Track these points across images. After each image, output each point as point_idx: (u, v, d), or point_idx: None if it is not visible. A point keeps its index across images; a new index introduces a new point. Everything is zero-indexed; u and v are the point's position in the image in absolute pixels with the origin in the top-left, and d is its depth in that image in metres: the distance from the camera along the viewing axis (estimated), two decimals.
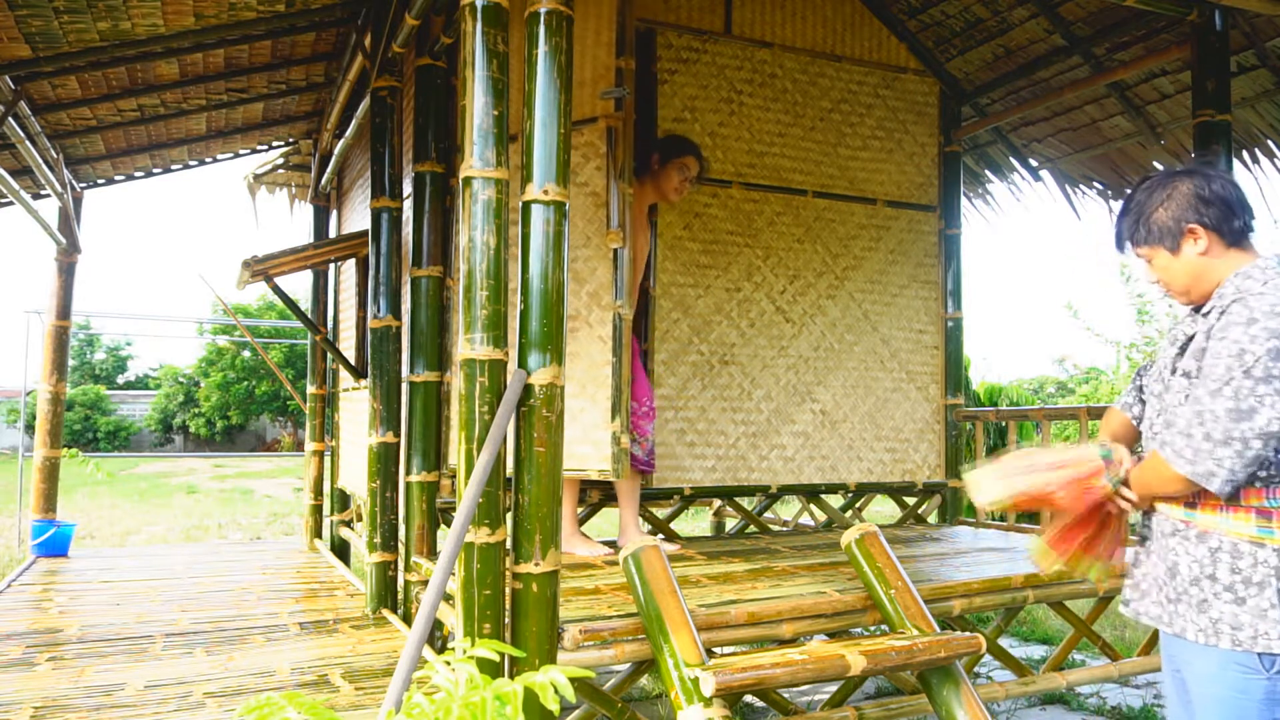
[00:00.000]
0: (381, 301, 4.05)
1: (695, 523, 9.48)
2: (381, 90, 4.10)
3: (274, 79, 5.40)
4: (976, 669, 4.75)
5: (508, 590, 2.46)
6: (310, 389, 6.40)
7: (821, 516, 5.48)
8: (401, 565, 3.94)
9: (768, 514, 6.07)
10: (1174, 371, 2.01)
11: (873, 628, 3.64)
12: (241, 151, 6.65)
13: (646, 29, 4.58)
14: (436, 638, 3.68)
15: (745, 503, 5.71)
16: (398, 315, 4.07)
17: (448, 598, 3.00)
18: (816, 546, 4.19)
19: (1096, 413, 4.67)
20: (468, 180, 2.45)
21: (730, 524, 6.23)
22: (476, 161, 2.44)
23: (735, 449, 4.75)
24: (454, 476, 3.77)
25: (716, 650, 2.85)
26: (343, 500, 5.91)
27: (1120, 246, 2.10)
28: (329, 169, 6.00)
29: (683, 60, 4.70)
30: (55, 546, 5.73)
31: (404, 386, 3.90)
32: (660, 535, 4.69)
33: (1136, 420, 2.18)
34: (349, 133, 5.08)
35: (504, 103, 2.48)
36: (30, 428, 7.99)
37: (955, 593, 3.28)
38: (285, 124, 6.28)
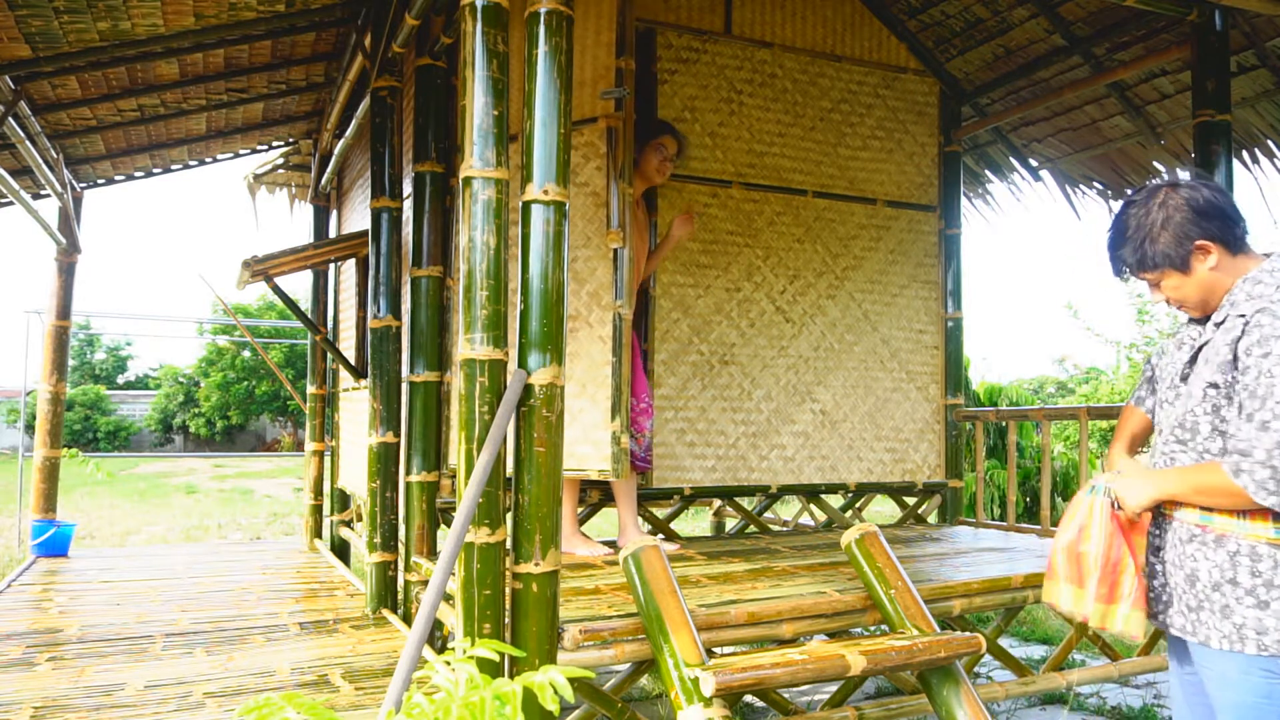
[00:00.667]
0: (381, 301, 4.05)
1: (695, 523, 9.48)
2: (381, 90, 4.10)
3: (274, 79, 5.40)
4: (976, 669, 4.75)
5: (508, 590, 2.46)
6: (310, 389, 6.40)
7: (821, 516, 5.48)
8: (401, 565, 3.94)
9: (768, 514, 6.07)
10: (1184, 379, 1.98)
11: (873, 628, 3.64)
12: (241, 151, 6.65)
13: (646, 29, 4.58)
14: (436, 638, 3.68)
15: (745, 503, 5.71)
16: (398, 315, 4.07)
17: (448, 598, 3.00)
18: (816, 546, 4.19)
19: (1097, 413, 4.67)
20: (468, 180, 2.45)
21: (730, 524, 6.23)
22: (476, 161, 2.44)
23: (735, 449, 4.75)
24: (454, 476, 3.77)
25: (716, 650, 2.85)
26: (343, 500, 5.91)
27: (1120, 273, 2.06)
28: (329, 169, 6.00)
29: (683, 60, 4.70)
30: (55, 546, 5.73)
31: (404, 386, 3.90)
32: (660, 535, 4.69)
33: (1151, 413, 2.17)
34: (349, 133, 5.08)
35: (504, 103, 2.48)
36: (30, 428, 7.99)
37: (955, 593, 3.28)
38: (285, 124, 6.28)
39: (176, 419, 27.37)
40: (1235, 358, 1.85)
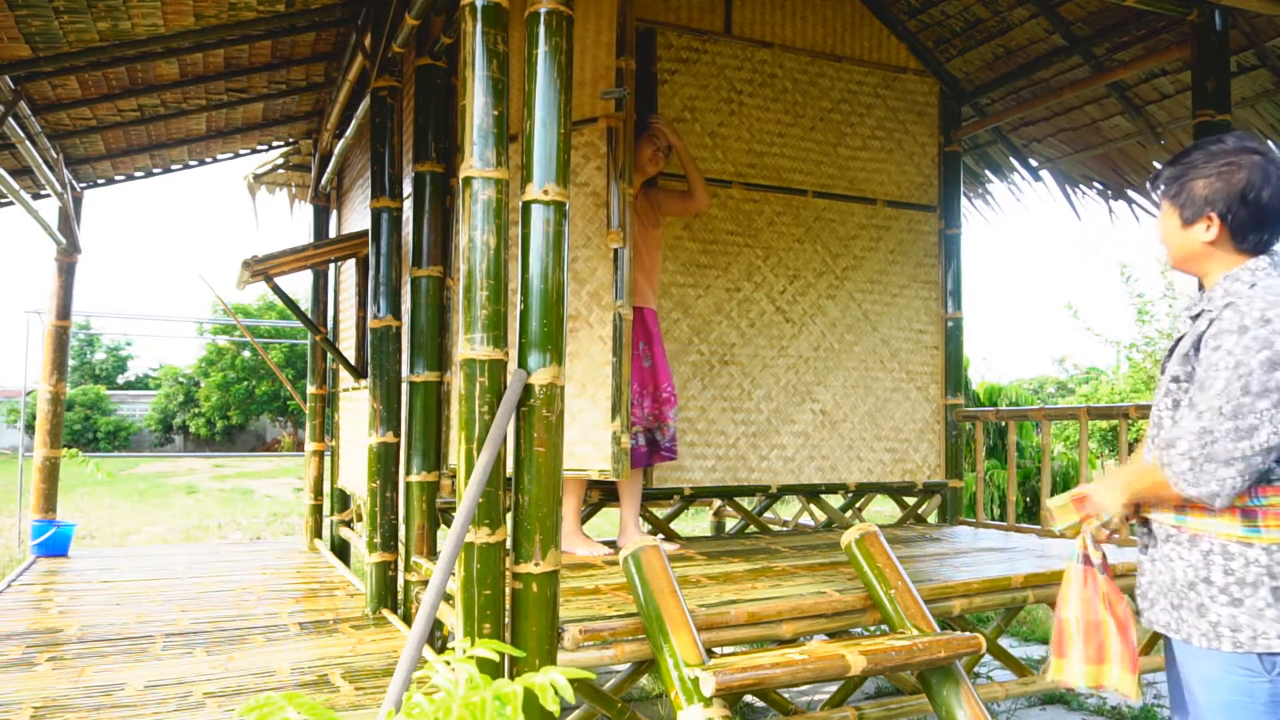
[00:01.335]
0: (381, 301, 4.05)
1: (695, 523, 9.48)
2: (381, 90, 4.10)
3: (274, 79, 5.40)
4: (976, 669, 4.75)
5: (508, 590, 2.46)
6: (310, 389, 6.40)
7: (821, 516, 5.48)
8: (401, 565, 3.94)
9: (768, 514, 6.07)
10: (1163, 373, 2.01)
11: (873, 628, 3.64)
12: (241, 151, 6.66)
13: (646, 29, 4.58)
14: (436, 638, 3.68)
15: (745, 503, 5.71)
16: (398, 315, 4.07)
17: (448, 598, 3.00)
18: (816, 546, 4.19)
19: (1097, 413, 4.67)
20: (468, 180, 2.45)
21: (730, 524, 6.23)
22: (476, 161, 2.44)
23: (735, 449, 4.75)
24: (454, 476, 3.77)
25: (716, 650, 2.85)
26: (343, 500, 5.91)
27: (1154, 186, 2.06)
28: (329, 169, 6.00)
29: (683, 60, 4.70)
30: (55, 546, 5.73)
31: (404, 386, 3.90)
32: (660, 535, 4.69)
33: None
34: (349, 133, 5.08)
35: (504, 103, 2.48)
36: (30, 428, 7.99)
37: (955, 593, 3.28)
38: (285, 124, 6.28)
39: (176, 419, 27.37)
40: (1197, 351, 1.87)
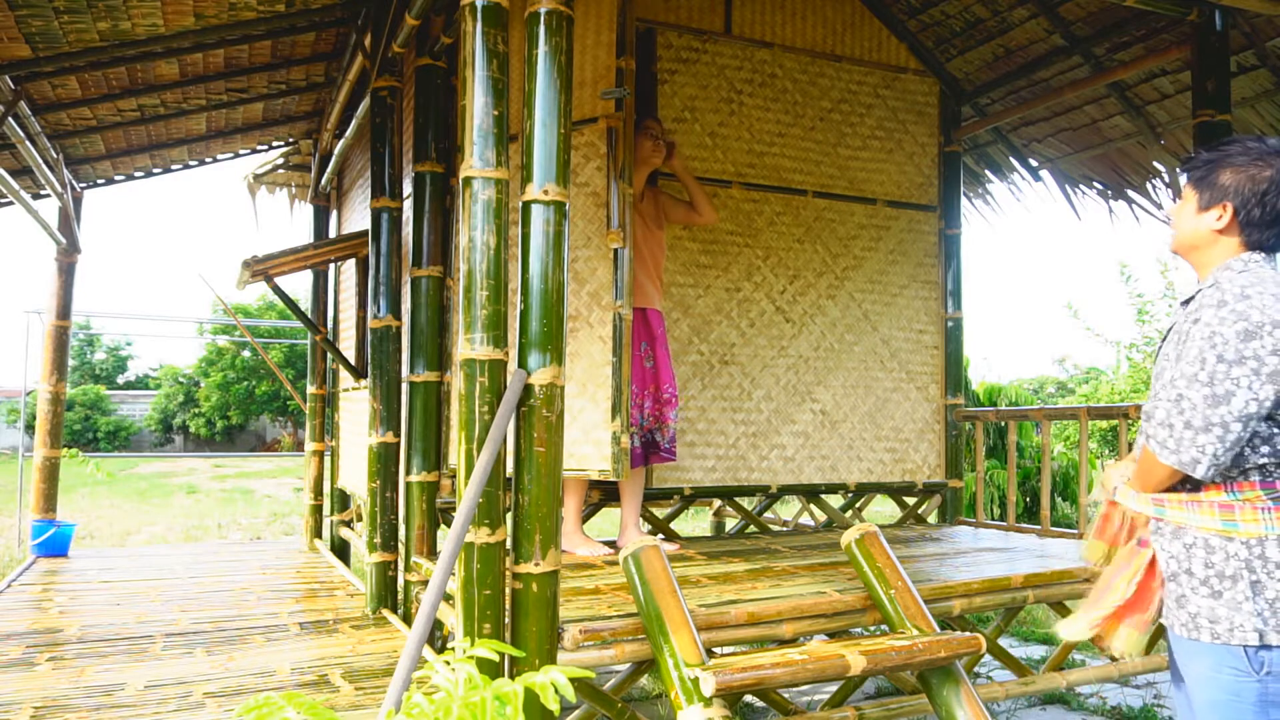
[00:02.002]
0: (381, 301, 4.05)
1: (695, 523, 9.48)
2: (381, 90, 4.10)
3: (274, 79, 5.40)
4: (976, 669, 4.75)
5: (508, 590, 2.46)
6: (310, 389, 6.40)
7: (821, 516, 5.48)
8: (401, 565, 3.94)
9: (768, 514, 6.07)
10: (1156, 358, 2.04)
11: (873, 628, 3.64)
12: (241, 151, 6.66)
13: (646, 29, 4.58)
14: (436, 638, 3.68)
15: (745, 503, 5.71)
16: (398, 315, 4.07)
17: (448, 598, 3.00)
18: (816, 546, 4.19)
19: (1097, 413, 4.67)
20: (468, 180, 2.45)
21: (730, 524, 6.23)
22: (476, 161, 2.44)
23: (735, 449, 4.75)
24: (454, 476, 3.77)
25: (716, 650, 2.84)
26: (343, 500, 5.91)
27: (1184, 168, 2.08)
28: (329, 169, 6.00)
29: (683, 60, 4.70)
30: (55, 546, 5.73)
31: (404, 386, 3.90)
32: (660, 535, 4.69)
33: None
34: (349, 133, 5.08)
35: (504, 103, 2.48)
36: (30, 428, 7.99)
37: (955, 593, 3.28)
38: (285, 124, 6.28)
39: (176, 419, 27.37)
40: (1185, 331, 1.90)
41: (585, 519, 4.47)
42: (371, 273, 4.13)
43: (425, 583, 3.55)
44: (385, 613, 4.00)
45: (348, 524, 5.79)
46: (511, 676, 2.38)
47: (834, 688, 3.31)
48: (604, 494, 4.38)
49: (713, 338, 4.72)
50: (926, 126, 5.34)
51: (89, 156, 5.97)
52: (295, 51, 5.07)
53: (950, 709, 2.62)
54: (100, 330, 29.21)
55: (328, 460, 6.26)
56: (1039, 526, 4.80)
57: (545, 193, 2.46)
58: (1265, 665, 1.81)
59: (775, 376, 4.87)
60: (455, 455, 2.86)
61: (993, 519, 6.58)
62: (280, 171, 7.15)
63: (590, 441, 3.41)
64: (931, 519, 5.37)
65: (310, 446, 6.40)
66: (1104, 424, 10.67)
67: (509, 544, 2.48)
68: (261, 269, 4.48)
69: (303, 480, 7.11)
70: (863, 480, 5.06)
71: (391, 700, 1.70)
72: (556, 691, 1.06)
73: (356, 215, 5.56)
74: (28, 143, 5.00)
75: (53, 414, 6.00)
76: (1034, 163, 5.98)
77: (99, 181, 6.42)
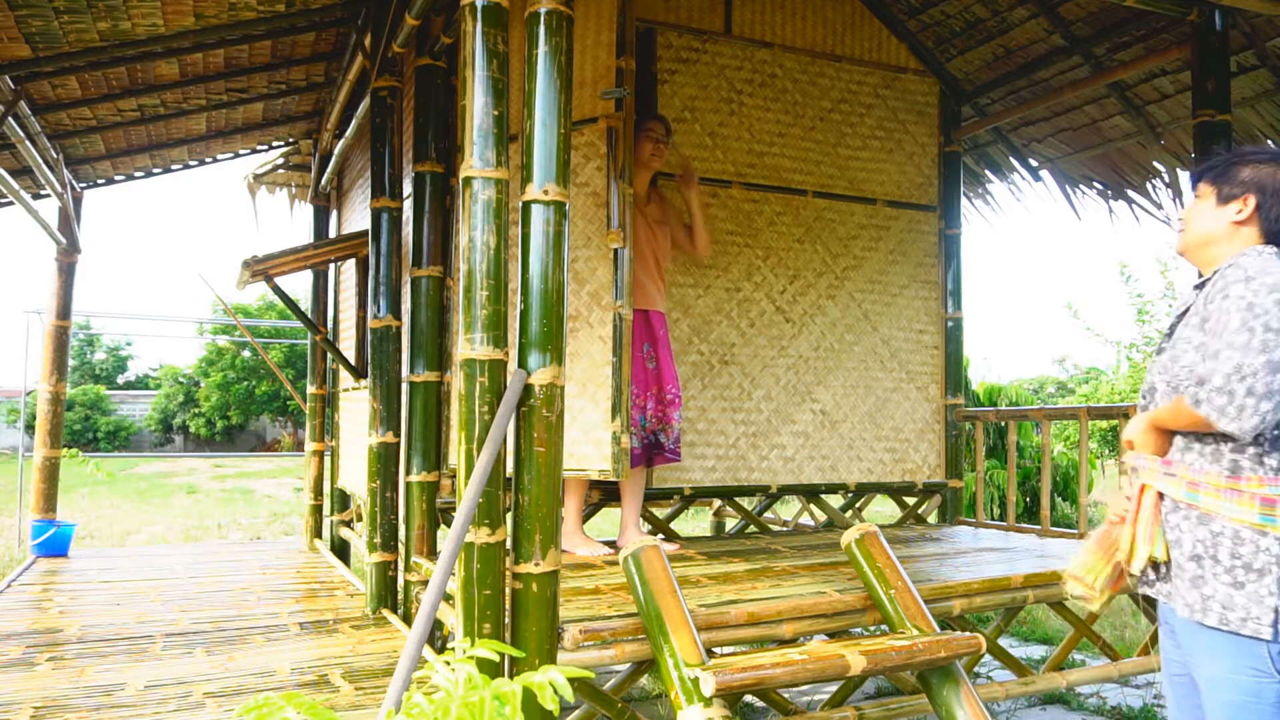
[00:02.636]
0: (381, 301, 4.05)
1: (695, 523, 9.48)
2: (381, 90, 4.10)
3: (274, 79, 5.40)
4: (976, 669, 4.75)
5: (508, 590, 2.46)
6: (310, 389, 6.40)
7: (821, 516, 5.48)
8: (401, 565, 3.94)
9: (768, 514, 6.07)
10: (1170, 334, 2.04)
11: (873, 628, 3.64)
12: (241, 151, 6.65)
13: (646, 29, 4.58)
14: (436, 638, 3.68)
15: (745, 503, 5.71)
16: (398, 315, 4.07)
17: (448, 598, 3.00)
18: (816, 546, 4.19)
19: (1097, 413, 4.67)
20: (468, 180, 2.45)
21: (730, 524, 6.23)
22: (476, 161, 2.44)
23: (735, 449, 4.75)
24: (454, 476, 3.77)
25: (716, 650, 2.85)
26: (343, 500, 5.91)
27: (1199, 172, 2.10)
28: (329, 169, 6.00)
29: (683, 60, 4.70)
30: (55, 546, 5.73)
31: (404, 386, 3.90)
32: (660, 535, 4.69)
33: None
34: (349, 133, 5.08)
35: (504, 103, 2.48)
36: (30, 428, 7.99)
37: (955, 593, 3.28)
38: (285, 124, 6.28)
39: (176, 419, 27.37)
40: (1207, 310, 1.91)
41: (585, 519, 4.47)
42: (371, 273, 4.13)
43: (425, 583, 3.55)
44: (385, 613, 4.00)
45: (348, 524, 5.79)
46: (511, 676, 2.38)
47: (834, 688, 3.31)
48: (604, 494, 4.38)
49: (713, 338, 4.72)
50: (926, 126, 5.34)
51: (89, 156, 5.97)
52: (295, 51, 5.07)
53: (950, 709, 2.62)
54: (100, 330, 29.22)
55: (328, 460, 6.26)
56: (1039, 526, 4.80)
57: (545, 193, 2.46)
58: None
59: (775, 376, 4.87)
60: (455, 455, 2.86)
61: (993, 519, 6.58)
62: (280, 171, 7.15)
63: (590, 441, 3.41)
64: (931, 519, 5.37)
65: (310, 446, 6.40)
66: (1104, 424, 10.68)
67: (509, 544, 2.48)
68: (261, 269, 4.48)
69: (303, 480, 7.12)
70: (863, 480, 5.06)
71: (391, 700, 1.71)
72: (556, 691, 1.06)
73: (356, 215, 5.56)
74: (28, 143, 5.00)
75: (53, 414, 6.00)
76: (1034, 163, 5.98)
77: (99, 181, 6.42)
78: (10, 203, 5.71)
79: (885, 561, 2.98)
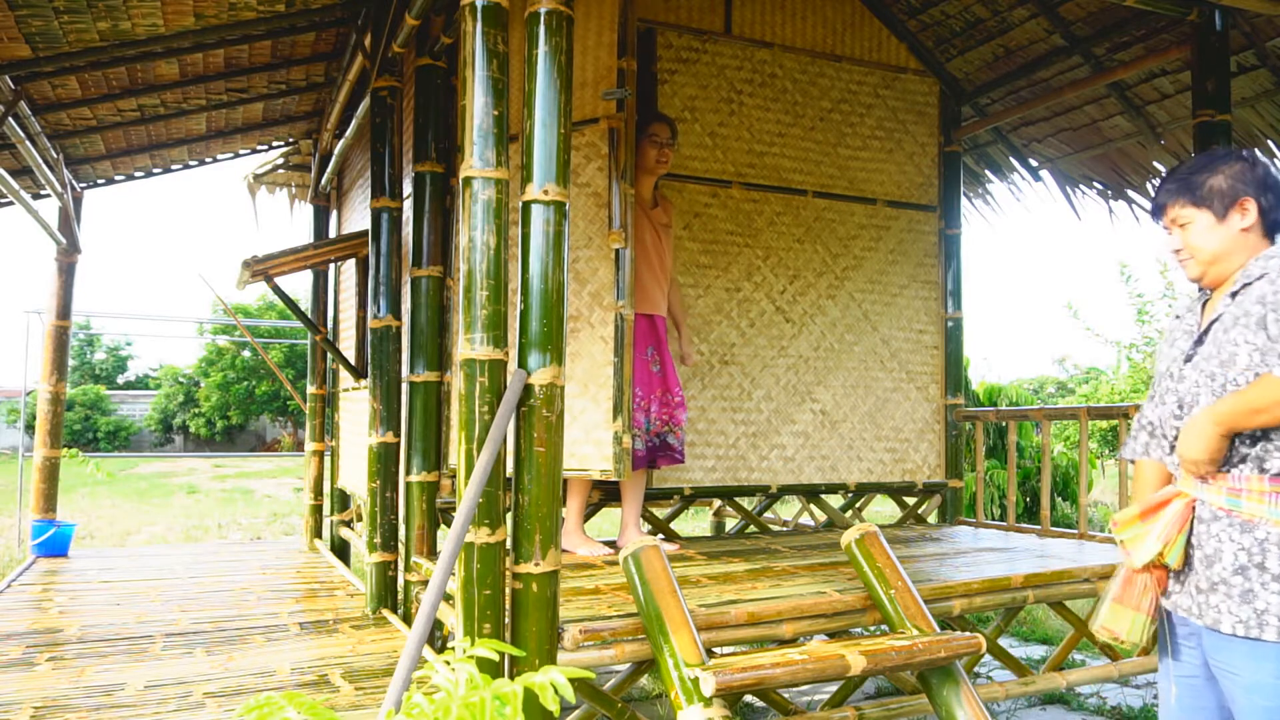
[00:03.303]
0: (381, 301, 4.05)
1: (695, 523, 9.48)
2: (381, 90, 4.10)
3: (274, 79, 5.40)
4: (976, 669, 4.75)
5: (508, 590, 2.46)
6: (310, 389, 6.40)
7: (821, 516, 5.48)
8: (401, 565, 3.94)
9: (768, 514, 6.07)
10: (1188, 360, 1.97)
11: (873, 628, 3.64)
12: (241, 151, 6.65)
13: (646, 29, 4.58)
14: (436, 638, 3.68)
15: (745, 503, 5.71)
16: (398, 315, 4.07)
17: (448, 598, 3.00)
18: (816, 546, 4.19)
19: (1097, 413, 4.67)
20: (468, 180, 2.45)
21: (730, 524, 6.23)
22: (476, 161, 2.44)
23: (735, 449, 4.75)
24: (454, 476, 3.77)
25: (716, 650, 2.85)
26: (343, 500, 5.91)
27: (1159, 212, 2.05)
28: (329, 169, 6.00)
29: (683, 60, 4.70)
30: (55, 546, 5.73)
31: (404, 386, 3.90)
32: (660, 535, 4.69)
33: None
34: (349, 133, 5.08)
35: (504, 103, 2.48)
36: (30, 428, 7.99)
37: (955, 593, 3.28)
38: (285, 124, 6.28)
39: (176, 419, 27.36)
40: (1264, 310, 1.84)
41: (585, 519, 4.47)
42: (371, 273, 4.13)
43: (425, 583, 3.55)
44: (385, 613, 4.00)
45: (348, 524, 5.79)
46: (511, 676, 2.38)
47: (834, 688, 3.31)
48: (604, 494, 4.38)
49: (713, 338, 4.72)
50: (926, 126, 5.34)
51: (89, 156, 5.97)
52: (295, 51, 5.07)
53: (950, 709, 2.62)
54: (100, 330, 29.22)
55: (328, 460, 6.26)
56: (1039, 526, 4.80)
57: (545, 193, 2.46)
58: None
59: (775, 376, 4.87)
60: (455, 455, 2.86)
61: (993, 519, 6.58)
62: (280, 171, 7.15)
63: (591, 441, 3.41)
64: (931, 519, 5.37)
65: (310, 446, 6.40)
66: (1104, 424, 10.67)
67: (509, 544, 2.48)
68: (261, 269, 4.48)
69: (303, 480, 7.12)
70: (863, 480, 5.06)
71: (391, 700, 1.70)
72: (556, 691, 1.06)
73: (356, 215, 5.56)
74: (28, 143, 5.00)
75: (53, 414, 6.00)
76: (1034, 163, 5.98)
77: (99, 181, 6.42)
78: (10, 203, 5.71)
79: (885, 561, 2.98)
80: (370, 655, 3.36)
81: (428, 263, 3.76)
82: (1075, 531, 4.65)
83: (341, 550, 5.86)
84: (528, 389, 2.43)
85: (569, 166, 2.53)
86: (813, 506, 5.48)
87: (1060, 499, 9.56)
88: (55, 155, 5.63)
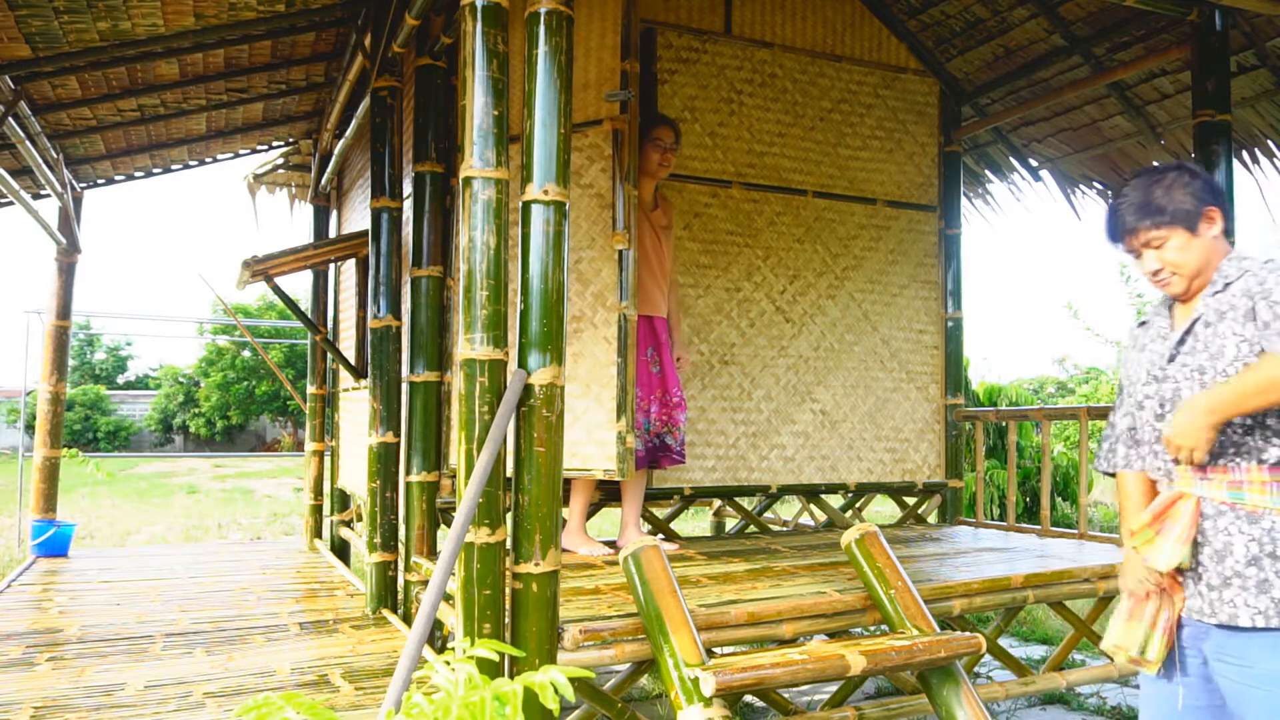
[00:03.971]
0: (381, 301, 4.05)
1: (695, 523, 9.48)
2: (381, 90, 4.10)
3: (274, 79, 5.40)
4: (976, 669, 4.75)
5: (508, 590, 2.46)
6: (310, 389, 6.40)
7: (821, 516, 5.48)
8: (401, 565, 3.94)
9: (768, 514, 6.07)
10: (1171, 360, 1.98)
11: (873, 628, 3.64)
12: (241, 151, 6.66)
13: (647, 29, 4.58)
14: (436, 638, 3.68)
15: (745, 503, 5.71)
16: (398, 315, 4.07)
17: (448, 598, 3.00)
18: (816, 546, 4.19)
19: (1097, 413, 4.67)
20: (468, 180, 2.45)
21: (730, 524, 6.23)
22: (476, 161, 2.44)
23: (735, 449, 4.75)
24: (454, 476, 3.77)
25: (716, 650, 2.85)
26: (343, 500, 5.91)
27: (1119, 236, 2.04)
28: (329, 169, 6.00)
29: (683, 60, 4.70)
30: (55, 546, 5.73)
31: (404, 386, 3.90)
32: (660, 535, 4.69)
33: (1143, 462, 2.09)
34: (349, 133, 5.08)
35: (504, 103, 2.48)
36: (30, 428, 7.99)
37: (955, 593, 3.28)
38: (285, 124, 6.28)
39: (176, 419, 27.36)
40: (1252, 305, 1.86)
41: (586, 519, 4.47)
42: (371, 273, 4.14)
43: (425, 583, 3.55)
44: (385, 613, 4.00)
45: (348, 524, 5.79)
46: (511, 676, 2.38)
47: (834, 688, 3.31)
48: (604, 494, 4.38)
49: (713, 338, 4.72)
50: (926, 126, 5.34)
51: (89, 156, 5.97)
52: (295, 51, 5.07)
53: (950, 709, 2.62)
54: (100, 330, 29.21)
55: (328, 460, 6.26)
56: (1039, 526, 4.80)
57: (545, 193, 2.46)
58: None
59: (775, 376, 4.87)
60: (455, 455, 2.86)
61: (993, 519, 6.58)
62: (280, 171, 7.15)
63: (595, 442, 3.41)
64: (931, 519, 5.37)
65: (310, 446, 6.40)
66: (1104, 424, 10.66)
67: (509, 544, 2.48)
68: (261, 269, 4.48)
69: (303, 480, 7.12)
70: (863, 480, 5.06)
71: (391, 700, 1.71)
72: (556, 691, 1.06)
73: (356, 215, 5.56)
74: (28, 143, 5.00)
75: (53, 414, 6.00)
76: (1034, 163, 5.98)
77: (99, 181, 6.42)
78: (10, 203, 5.71)
79: (885, 561, 2.98)
80: (370, 655, 3.36)
81: (428, 263, 3.76)
82: (1075, 531, 4.64)
83: (341, 550, 5.86)
84: (528, 389, 2.43)
85: (569, 166, 2.53)
86: (813, 506, 5.47)
87: (1060, 499, 9.56)
88: (55, 155, 5.63)
